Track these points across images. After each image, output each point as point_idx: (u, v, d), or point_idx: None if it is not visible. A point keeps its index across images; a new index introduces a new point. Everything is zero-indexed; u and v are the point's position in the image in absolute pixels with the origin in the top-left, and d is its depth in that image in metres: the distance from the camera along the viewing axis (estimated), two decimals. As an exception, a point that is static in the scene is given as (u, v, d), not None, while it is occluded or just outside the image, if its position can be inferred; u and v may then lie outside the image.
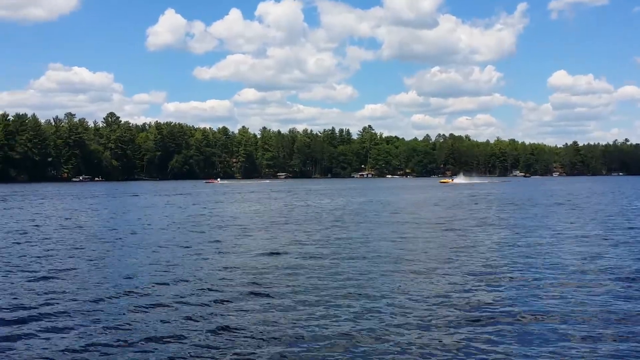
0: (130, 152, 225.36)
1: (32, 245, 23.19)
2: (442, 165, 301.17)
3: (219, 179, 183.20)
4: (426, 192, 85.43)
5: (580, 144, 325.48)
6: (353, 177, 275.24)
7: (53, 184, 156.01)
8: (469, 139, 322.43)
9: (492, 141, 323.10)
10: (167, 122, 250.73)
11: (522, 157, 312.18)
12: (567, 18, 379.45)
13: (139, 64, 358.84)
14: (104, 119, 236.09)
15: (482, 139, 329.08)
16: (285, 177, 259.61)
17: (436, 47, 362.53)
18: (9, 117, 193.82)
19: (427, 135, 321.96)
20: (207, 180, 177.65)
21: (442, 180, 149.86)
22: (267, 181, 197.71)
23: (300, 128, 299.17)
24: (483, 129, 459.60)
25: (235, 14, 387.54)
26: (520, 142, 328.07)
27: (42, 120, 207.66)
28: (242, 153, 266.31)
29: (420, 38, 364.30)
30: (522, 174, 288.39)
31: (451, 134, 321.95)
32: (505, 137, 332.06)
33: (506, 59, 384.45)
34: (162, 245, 22.73)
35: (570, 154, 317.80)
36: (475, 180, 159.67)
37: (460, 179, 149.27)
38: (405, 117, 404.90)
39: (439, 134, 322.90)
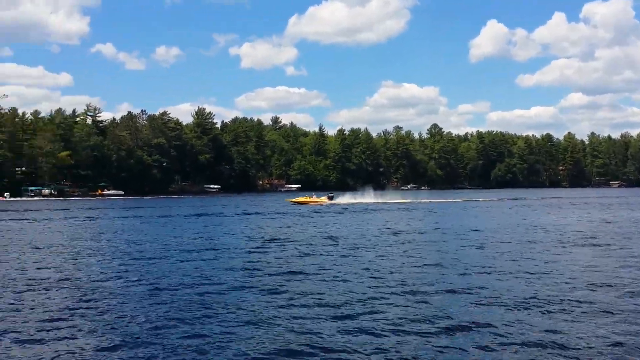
0: (454, 161, 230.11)
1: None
2: None
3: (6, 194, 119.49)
4: None
5: None
6: None
7: (386, 192, 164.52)
8: None
9: None
10: (488, 131, 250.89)
11: None
12: None
13: (463, 76, 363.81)
14: (427, 130, 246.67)
15: None
16: (619, 186, 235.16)
17: None
18: (345, 132, 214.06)
19: None
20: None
21: (295, 200, 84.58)
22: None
23: (634, 132, 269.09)
24: None
25: (558, 17, 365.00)
26: None
27: (374, 134, 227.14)
28: (568, 160, 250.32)
29: None
30: None
31: None
32: None
33: None
34: None
35: None
36: (370, 199, 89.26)
37: (346, 198, 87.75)
38: None
39: None
